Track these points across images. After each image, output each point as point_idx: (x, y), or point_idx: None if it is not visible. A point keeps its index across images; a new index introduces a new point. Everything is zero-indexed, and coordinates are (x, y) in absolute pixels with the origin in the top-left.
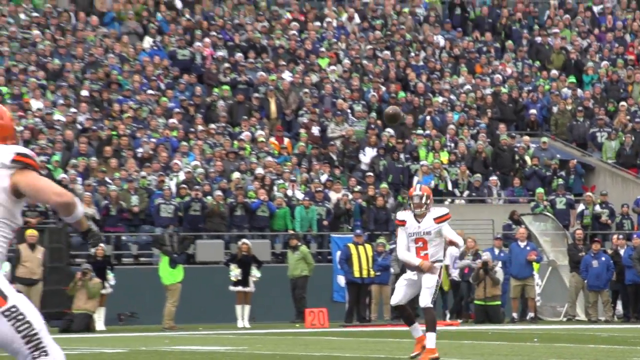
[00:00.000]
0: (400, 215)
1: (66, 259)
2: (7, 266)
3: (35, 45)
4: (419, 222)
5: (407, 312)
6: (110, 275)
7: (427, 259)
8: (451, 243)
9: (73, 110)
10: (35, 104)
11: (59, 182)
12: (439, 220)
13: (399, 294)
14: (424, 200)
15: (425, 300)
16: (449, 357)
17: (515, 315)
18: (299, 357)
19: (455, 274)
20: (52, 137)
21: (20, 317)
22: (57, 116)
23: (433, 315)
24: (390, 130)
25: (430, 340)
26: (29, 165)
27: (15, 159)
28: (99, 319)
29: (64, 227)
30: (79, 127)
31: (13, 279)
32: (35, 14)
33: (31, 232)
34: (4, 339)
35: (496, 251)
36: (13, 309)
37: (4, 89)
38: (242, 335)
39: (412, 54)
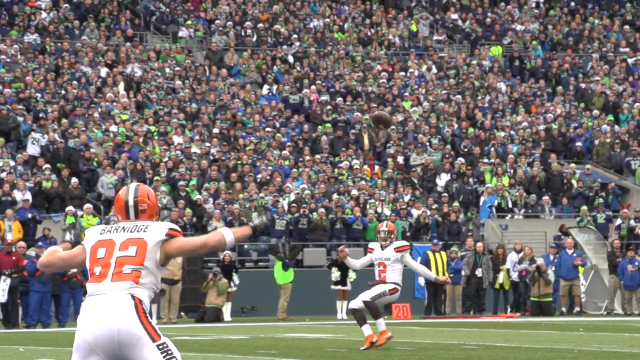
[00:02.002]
0: (372, 244)
1: (200, 263)
2: None
3: (177, 93)
4: (382, 249)
5: (361, 314)
6: (235, 276)
7: (385, 280)
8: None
9: (207, 144)
10: (177, 140)
11: (195, 203)
12: (398, 249)
13: (359, 301)
14: (387, 235)
15: (365, 295)
16: (510, 343)
17: (564, 309)
18: (387, 343)
19: (514, 276)
20: (189, 166)
21: (170, 352)
22: (194, 149)
23: (373, 305)
24: (461, 159)
25: (380, 324)
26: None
27: (169, 233)
28: (226, 311)
29: None
30: (211, 157)
31: None
32: (177, 68)
33: None
34: None
35: (551, 257)
36: (165, 345)
37: (153, 128)
38: (341, 325)
39: (479, 97)
